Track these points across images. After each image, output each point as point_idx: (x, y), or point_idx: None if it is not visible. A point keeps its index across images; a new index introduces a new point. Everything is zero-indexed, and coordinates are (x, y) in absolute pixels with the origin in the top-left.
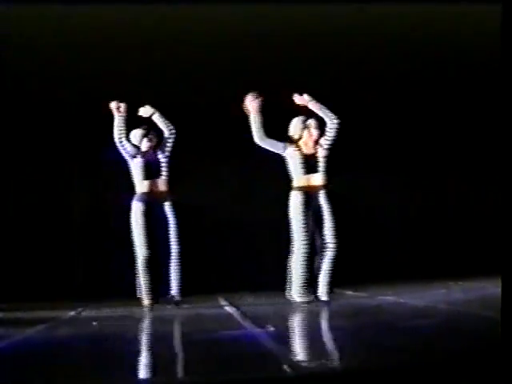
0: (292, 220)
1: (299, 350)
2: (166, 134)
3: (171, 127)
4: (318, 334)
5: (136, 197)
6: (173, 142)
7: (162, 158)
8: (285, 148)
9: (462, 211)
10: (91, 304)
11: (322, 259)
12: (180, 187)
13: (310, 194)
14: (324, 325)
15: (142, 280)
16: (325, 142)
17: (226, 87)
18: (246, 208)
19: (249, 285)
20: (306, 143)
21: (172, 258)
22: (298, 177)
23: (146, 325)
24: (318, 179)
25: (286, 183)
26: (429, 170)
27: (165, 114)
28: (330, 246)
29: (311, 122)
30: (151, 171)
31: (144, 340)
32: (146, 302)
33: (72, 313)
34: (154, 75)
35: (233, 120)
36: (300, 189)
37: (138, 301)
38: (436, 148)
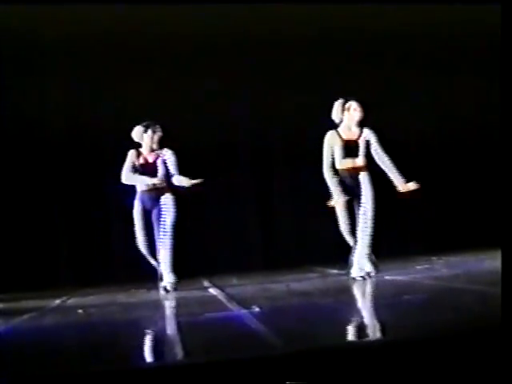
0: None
1: (284, 329)
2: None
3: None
4: (304, 313)
5: (137, 194)
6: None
7: (160, 159)
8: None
9: (445, 187)
10: (76, 292)
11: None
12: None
13: (350, 176)
14: (310, 304)
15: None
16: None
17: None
18: (228, 191)
19: (232, 266)
20: (347, 126)
21: (165, 249)
22: (340, 159)
23: (132, 310)
24: (359, 162)
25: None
26: (416, 148)
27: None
28: (369, 225)
29: (351, 103)
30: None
31: (132, 325)
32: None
33: (57, 301)
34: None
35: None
36: (340, 171)
37: (122, 287)
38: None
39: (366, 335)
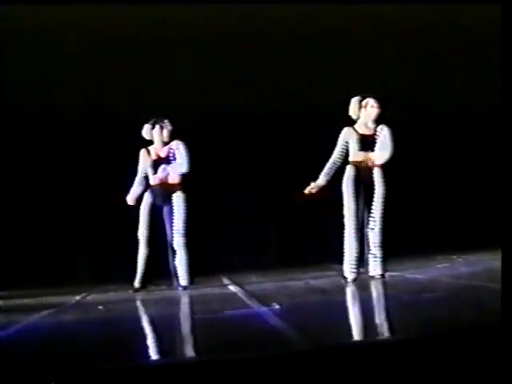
0: (343, 194)
1: (305, 326)
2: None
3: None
4: (323, 310)
5: (148, 189)
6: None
7: (172, 154)
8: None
9: (464, 186)
10: (96, 289)
11: (368, 236)
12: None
13: (363, 169)
14: (330, 301)
15: (140, 265)
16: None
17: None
18: (246, 188)
19: (250, 263)
20: (364, 123)
21: (179, 247)
22: (355, 152)
23: (152, 307)
24: (373, 156)
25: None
26: (433, 148)
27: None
28: (378, 221)
29: (368, 100)
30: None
31: (151, 322)
32: (136, 285)
33: (77, 297)
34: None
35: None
36: (354, 163)
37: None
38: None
39: (385, 333)
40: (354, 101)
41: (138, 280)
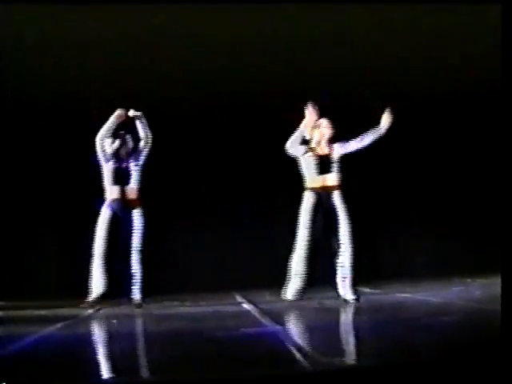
0: (300, 219)
1: (319, 346)
2: (142, 142)
3: (149, 137)
4: (337, 330)
5: (106, 202)
6: (147, 152)
7: (133, 165)
8: (304, 150)
9: (479, 208)
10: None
11: (337, 260)
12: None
13: (322, 194)
14: (344, 322)
15: (94, 280)
16: None
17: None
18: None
19: (264, 281)
20: (318, 143)
21: (134, 262)
22: (312, 177)
23: (163, 322)
24: (331, 179)
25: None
26: (443, 168)
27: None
28: (348, 246)
29: (322, 121)
30: (122, 177)
31: (162, 337)
32: (91, 298)
33: (90, 311)
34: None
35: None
36: (313, 189)
37: (152, 299)
38: (445, 148)
39: (398, 355)
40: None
41: (94, 295)
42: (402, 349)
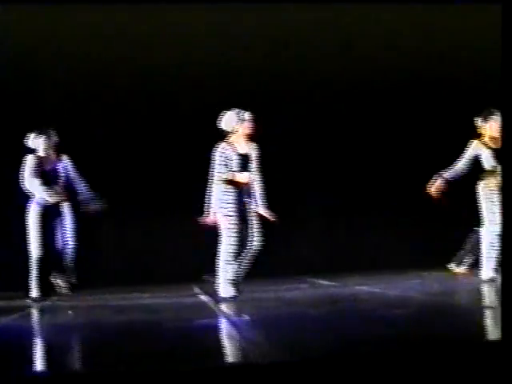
0: (223, 216)
1: (272, 338)
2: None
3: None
4: (292, 322)
5: (34, 199)
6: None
7: (60, 164)
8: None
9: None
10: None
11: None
12: None
13: (240, 190)
14: (299, 314)
15: (34, 275)
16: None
17: None
18: None
19: None
20: (240, 137)
21: (67, 254)
22: (230, 173)
23: (123, 314)
24: (246, 176)
25: None
26: (398, 162)
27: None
28: (256, 240)
29: (246, 115)
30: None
31: (122, 329)
32: (34, 294)
33: (47, 302)
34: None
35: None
36: (231, 183)
37: (110, 291)
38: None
39: (354, 347)
40: (232, 113)
41: (35, 289)
42: (356, 340)
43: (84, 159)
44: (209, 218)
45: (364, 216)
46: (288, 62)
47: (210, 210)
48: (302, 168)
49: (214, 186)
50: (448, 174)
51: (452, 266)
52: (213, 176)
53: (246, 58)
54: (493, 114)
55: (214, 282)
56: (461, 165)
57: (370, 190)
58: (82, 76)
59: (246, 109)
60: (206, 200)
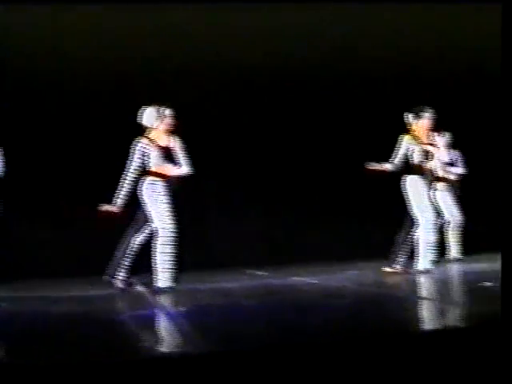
0: (155, 206)
1: (207, 329)
2: None
3: None
4: (227, 313)
5: None
6: None
7: None
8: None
9: (372, 193)
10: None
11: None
12: None
13: (167, 180)
14: (234, 305)
15: None
16: None
17: None
18: None
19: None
20: (161, 132)
21: None
22: (155, 165)
23: (59, 305)
24: (173, 169)
25: None
26: (336, 155)
27: None
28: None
29: (166, 111)
30: None
31: (55, 320)
32: None
33: None
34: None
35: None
36: (157, 175)
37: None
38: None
39: (290, 337)
40: (152, 109)
41: None
42: (292, 331)
43: None
44: (114, 208)
45: (302, 207)
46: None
47: (119, 201)
48: (238, 159)
49: (128, 178)
50: (385, 166)
51: (385, 268)
52: (129, 169)
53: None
54: (424, 111)
55: (113, 282)
56: (394, 159)
57: (307, 181)
58: None
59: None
60: (117, 191)
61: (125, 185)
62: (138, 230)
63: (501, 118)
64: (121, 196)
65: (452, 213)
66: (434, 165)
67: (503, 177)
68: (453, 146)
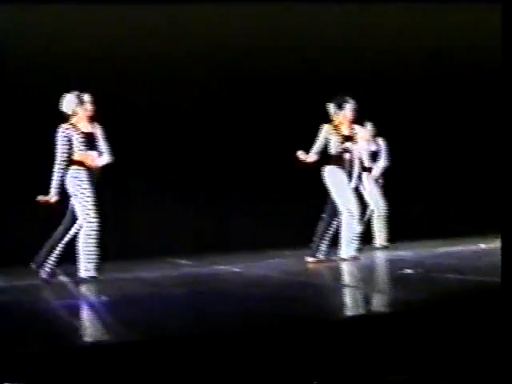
0: (79, 197)
1: (129, 319)
2: None
3: None
4: (150, 302)
5: None
6: None
7: None
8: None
9: (292, 184)
10: None
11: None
12: None
13: (90, 169)
14: (154, 294)
15: None
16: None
17: None
18: None
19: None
20: (82, 119)
21: None
22: (79, 153)
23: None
24: (96, 157)
25: None
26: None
27: None
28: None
29: (86, 97)
30: None
31: None
32: None
33: None
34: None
35: None
36: (81, 164)
37: None
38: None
39: (212, 326)
40: (72, 95)
41: None
42: (214, 320)
43: None
44: (50, 198)
45: (226, 195)
46: None
47: (53, 190)
48: (162, 148)
49: (57, 166)
50: (308, 156)
51: (308, 258)
52: (57, 157)
53: None
54: (346, 102)
55: (39, 271)
56: (316, 148)
57: (230, 169)
58: None
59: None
60: (52, 181)
61: (55, 174)
62: (68, 221)
63: (501, 118)
64: (53, 186)
65: (377, 202)
66: (358, 155)
67: (503, 171)
68: (377, 135)
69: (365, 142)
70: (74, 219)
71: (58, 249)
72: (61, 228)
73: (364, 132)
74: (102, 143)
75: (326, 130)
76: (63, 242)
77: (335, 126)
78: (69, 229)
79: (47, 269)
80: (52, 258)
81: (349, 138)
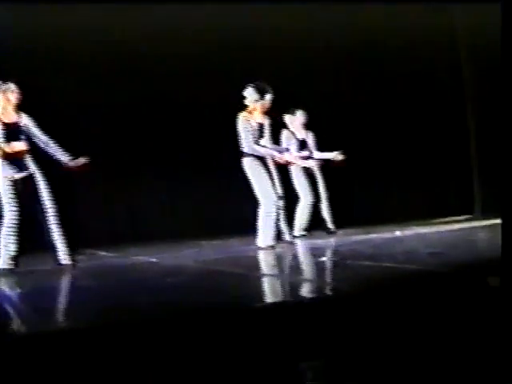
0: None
1: (44, 309)
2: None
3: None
4: (67, 293)
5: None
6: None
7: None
8: None
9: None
10: None
11: (48, 224)
12: None
13: (15, 160)
14: (71, 284)
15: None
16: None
17: None
18: None
19: None
20: (6, 108)
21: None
22: (3, 145)
23: None
24: (20, 146)
25: None
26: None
27: None
28: (51, 209)
29: (9, 86)
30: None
31: None
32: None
33: None
34: None
35: None
36: (5, 156)
37: None
38: None
39: (127, 315)
40: None
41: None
42: (124, 309)
43: None
44: None
45: (143, 184)
46: None
47: None
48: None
49: None
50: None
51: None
52: None
53: None
54: (267, 93)
55: None
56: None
57: (155, 155)
58: None
59: None
60: None
61: None
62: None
63: (501, 118)
64: None
65: (305, 193)
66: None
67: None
68: (306, 125)
69: (294, 130)
70: None
71: None
72: None
73: (293, 120)
74: (32, 132)
75: (241, 119)
76: None
77: (251, 116)
78: None
79: None
80: None
81: (260, 127)
